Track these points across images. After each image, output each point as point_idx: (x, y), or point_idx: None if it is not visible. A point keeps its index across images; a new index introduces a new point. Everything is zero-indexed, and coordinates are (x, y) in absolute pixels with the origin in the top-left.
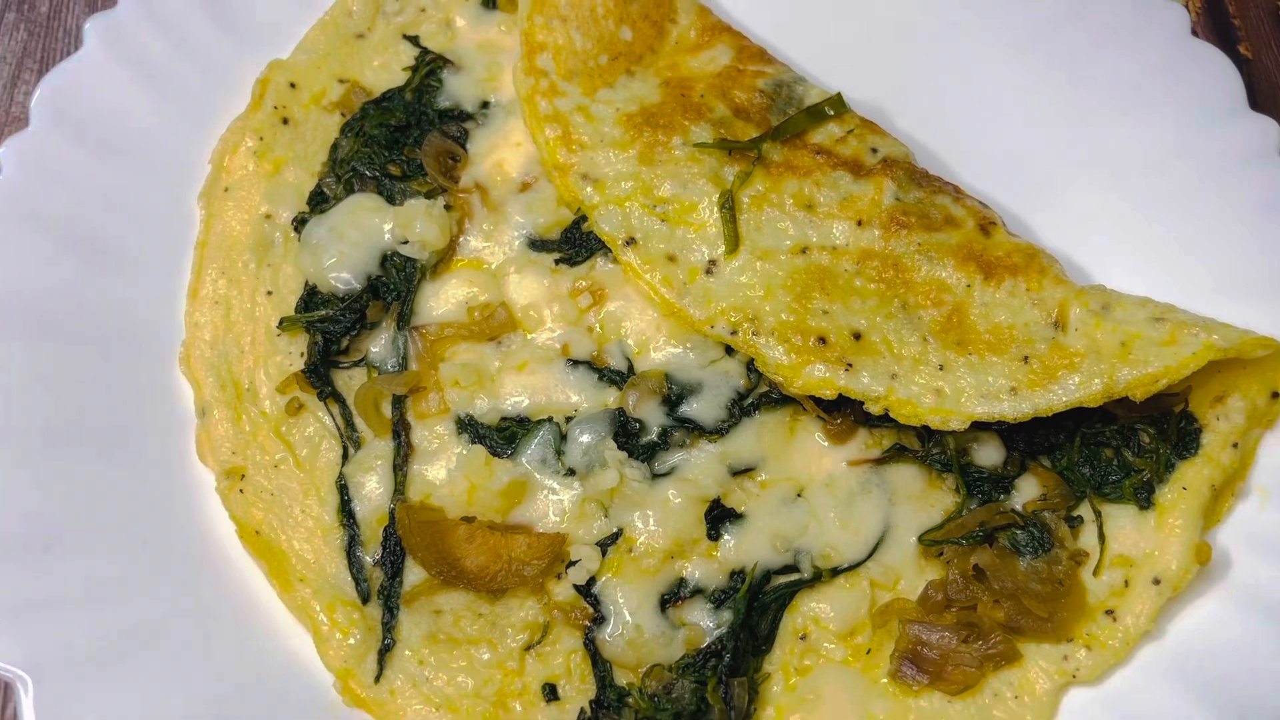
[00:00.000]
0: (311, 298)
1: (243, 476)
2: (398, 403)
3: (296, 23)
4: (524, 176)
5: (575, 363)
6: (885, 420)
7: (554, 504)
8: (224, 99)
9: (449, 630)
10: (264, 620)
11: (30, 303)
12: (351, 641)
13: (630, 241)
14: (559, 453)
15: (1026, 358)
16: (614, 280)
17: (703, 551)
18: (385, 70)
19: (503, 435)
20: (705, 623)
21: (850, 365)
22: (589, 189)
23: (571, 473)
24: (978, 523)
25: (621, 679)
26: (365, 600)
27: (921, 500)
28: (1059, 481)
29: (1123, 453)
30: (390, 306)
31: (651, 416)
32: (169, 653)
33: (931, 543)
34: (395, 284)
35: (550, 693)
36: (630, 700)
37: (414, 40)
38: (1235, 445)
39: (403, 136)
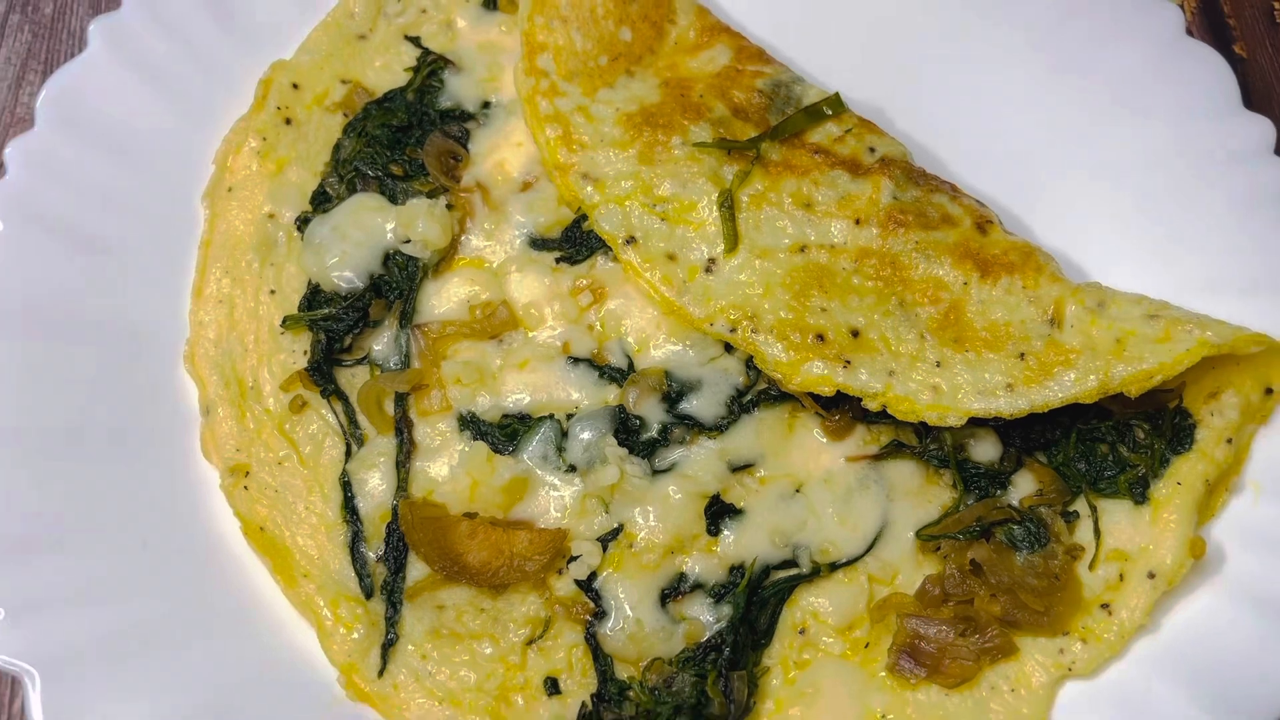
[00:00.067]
0: (314, 296)
1: (247, 474)
2: (400, 400)
3: (299, 24)
4: (525, 176)
5: (576, 360)
6: (883, 417)
7: (555, 500)
8: (227, 100)
9: (451, 625)
10: (268, 615)
11: (36, 302)
12: (355, 636)
13: (630, 240)
14: (560, 449)
15: (1023, 354)
16: (614, 279)
17: (702, 547)
18: (387, 71)
19: (504, 432)
20: (705, 617)
21: (848, 362)
22: (589, 188)
23: (572, 469)
24: (975, 518)
25: (622, 673)
26: (369, 596)
27: (919, 496)
28: (1055, 477)
29: (1118, 448)
30: (393, 305)
31: (652, 413)
32: (175, 648)
33: (929, 538)
34: (397, 282)
35: (552, 686)
36: (631, 694)
37: (415, 41)
38: (1229, 441)
39: (405, 136)
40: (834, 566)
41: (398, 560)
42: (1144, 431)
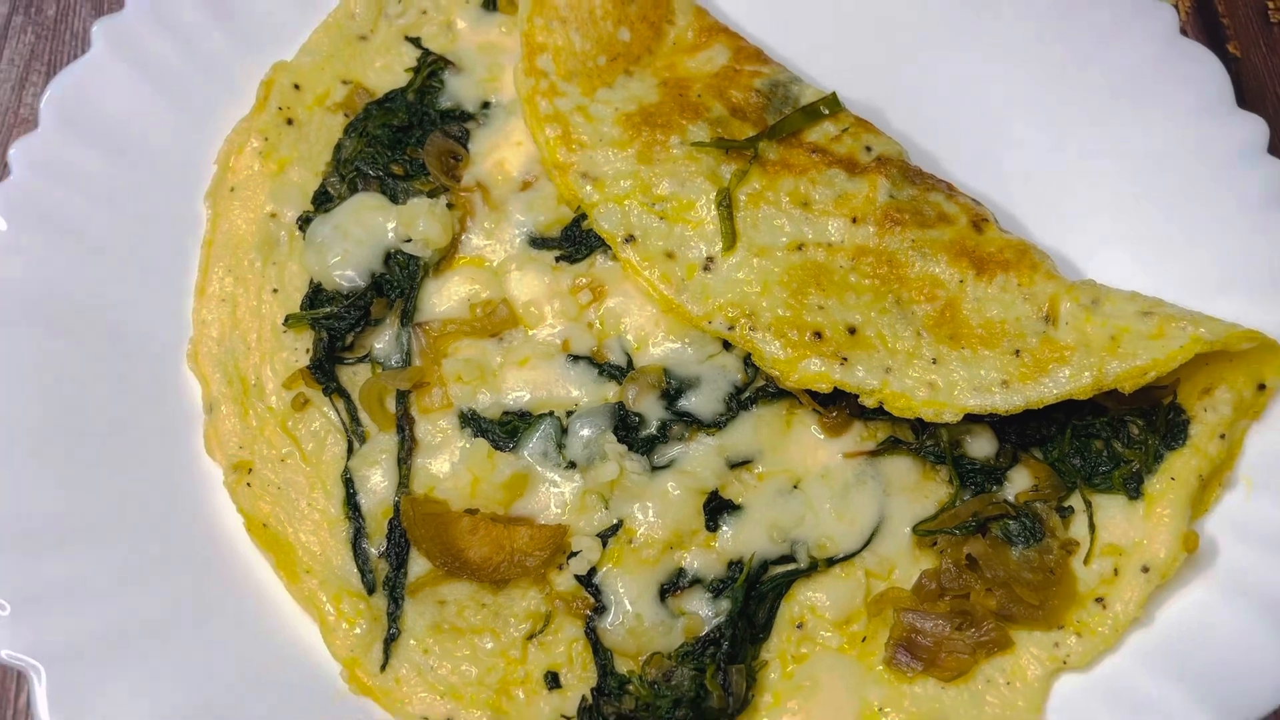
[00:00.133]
0: (316, 295)
1: (250, 470)
2: (401, 398)
3: (300, 25)
4: (524, 175)
5: (576, 358)
6: (880, 413)
7: (555, 496)
8: (229, 100)
9: (453, 620)
10: (272, 610)
11: (41, 301)
12: (358, 631)
13: (629, 239)
14: (560, 446)
15: (1018, 351)
16: (613, 277)
17: (701, 542)
18: (388, 71)
19: (505, 429)
20: (704, 611)
21: (845, 359)
22: (588, 187)
23: (572, 465)
24: (971, 513)
25: (622, 667)
26: (371, 591)
27: (916, 491)
28: (1050, 473)
29: (1112, 444)
30: (394, 303)
31: (651, 410)
32: (178, 642)
33: (925, 533)
34: (399, 281)
35: (552, 680)
36: (631, 687)
37: (416, 42)
38: (1222, 436)
39: (405, 136)
40: (831, 561)
41: (399, 556)
42: (1138, 427)
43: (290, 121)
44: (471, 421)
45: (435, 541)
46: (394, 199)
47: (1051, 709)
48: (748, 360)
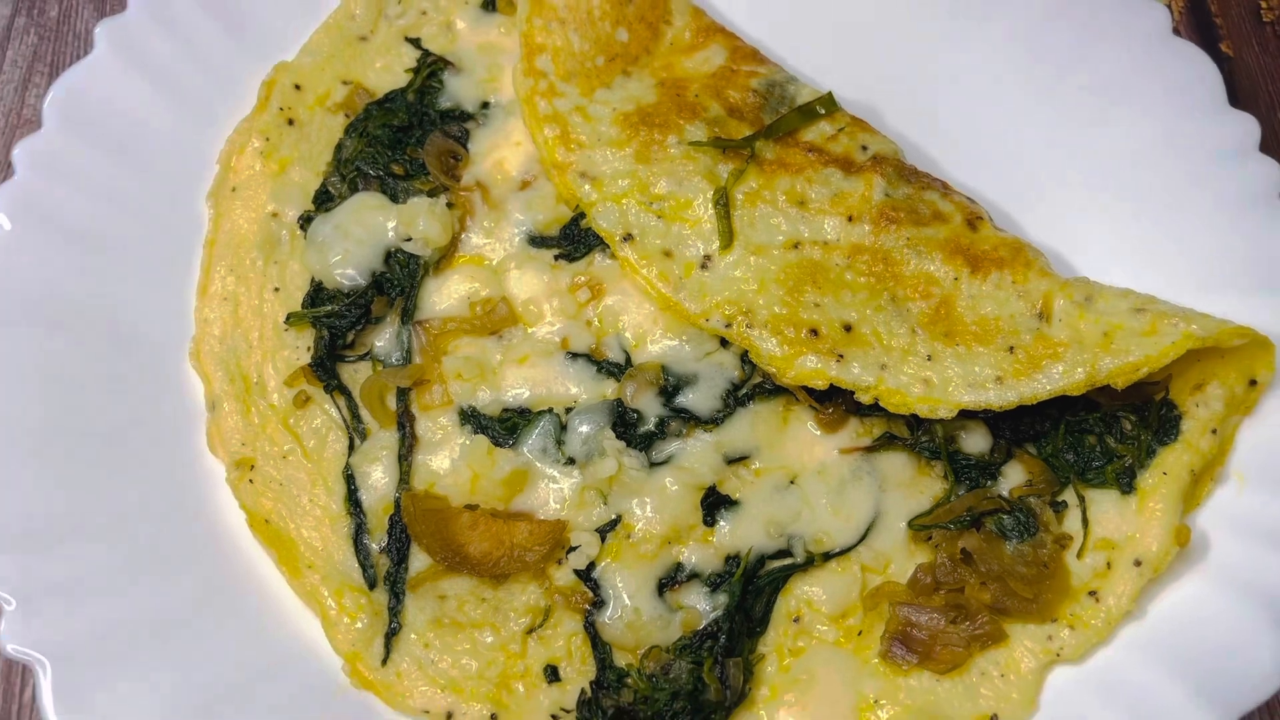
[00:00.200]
0: (318, 294)
1: (252, 467)
2: (402, 395)
3: (301, 26)
4: (524, 175)
5: (574, 355)
6: (875, 409)
7: (554, 492)
8: (231, 101)
9: (453, 614)
10: (274, 605)
11: (45, 300)
12: (359, 626)
13: (627, 237)
14: (559, 442)
15: (1012, 348)
16: (612, 275)
17: (699, 537)
18: (388, 72)
19: (504, 426)
20: (701, 606)
21: (841, 356)
22: (587, 187)
23: (571, 462)
24: (965, 508)
25: (620, 660)
26: (372, 586)
27: (911, 487)
28: (1044, 468)
29: (1105, 439)
30: (394, 302)
31: (649, 407)
32: (182, 637)
33: (921, 528)
34: (399, 280)
35: (552, 674)
36: (629, 681)
37: (415, 42)
38: (1214, 431)
39: (405, 136)
40: (828, 556)
41: (400, 551)
42: (1131, 423)
43: (291, 122)
44: (471, 418)
45: (436, 537)
46: (394, 198)
47: (1045, 701)
48: (745, 357)
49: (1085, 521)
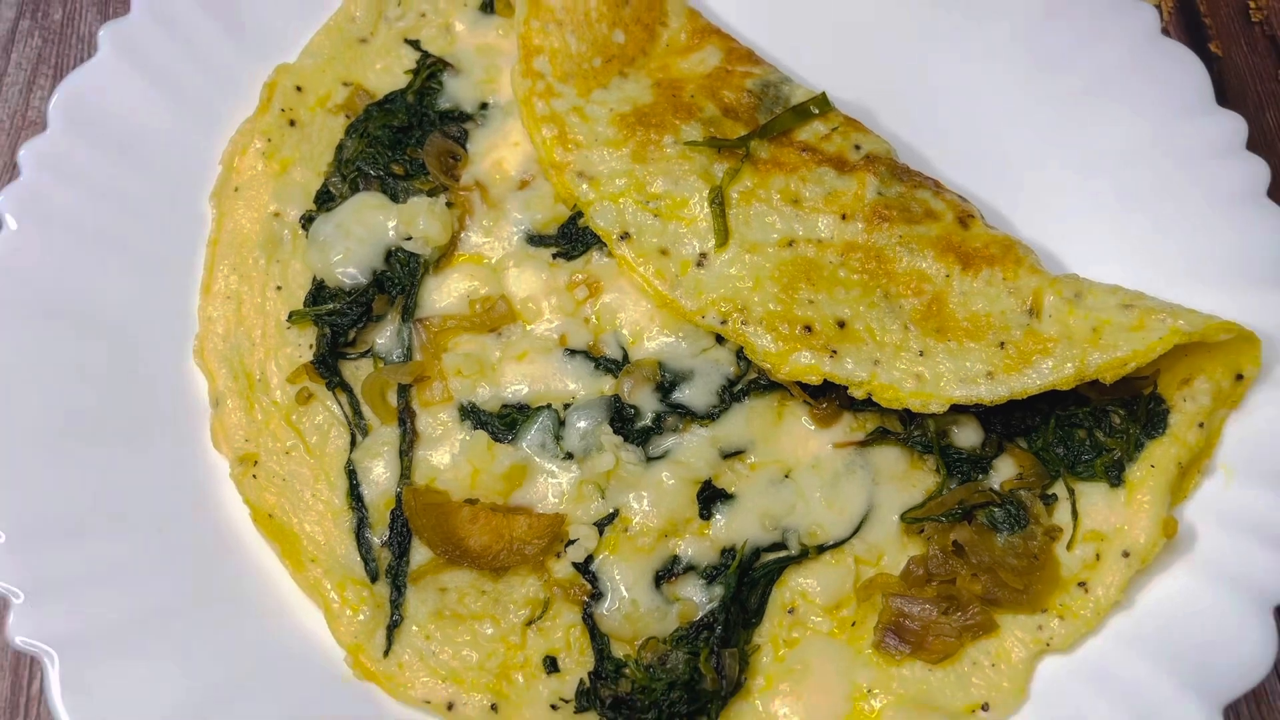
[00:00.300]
0: (319, 292)
1: (256, 463)
2: (403, 392)
3: (302, 28)
4: (522, 174)
5: (572, 352)
6: (869, 404)
7: (553, 486)
8: (233, 102)
9: (454, 607)
10: (277, 598)
11: (51, 299)
12: (361, 618)
13: (624, 236)
14: (558, 438)
15: (1003, 344)
16: (609, 273)
17: (695, 530)
18: (387, 73)
19: (504, 421)
20: (698, 597)
21: (835, 352)
22: (584, 186)
23: (570, 456)
24: (957, 501)
25: (618, 651)
26: (374, 579)
27: (904, 480)
28: (1034, 461)
29: (1095, 433)
30: (395, 300)
31: (646, 402)
32: (188, 629)
33: (913, 520)
34: (400, 278)
35: (551, 665)
36: (627, 671)
37: (415, 44)
38: (1201, 425)
39: (405, 137)
40: (822, 548)
41: (401, 545)
42: (1120, 417)
43: (293, 123)
44: (471, 414)
45: (436, 531)
46: (394, 198)
47: (1035, 690)
48: (740, 353)
49: (1075, 514)
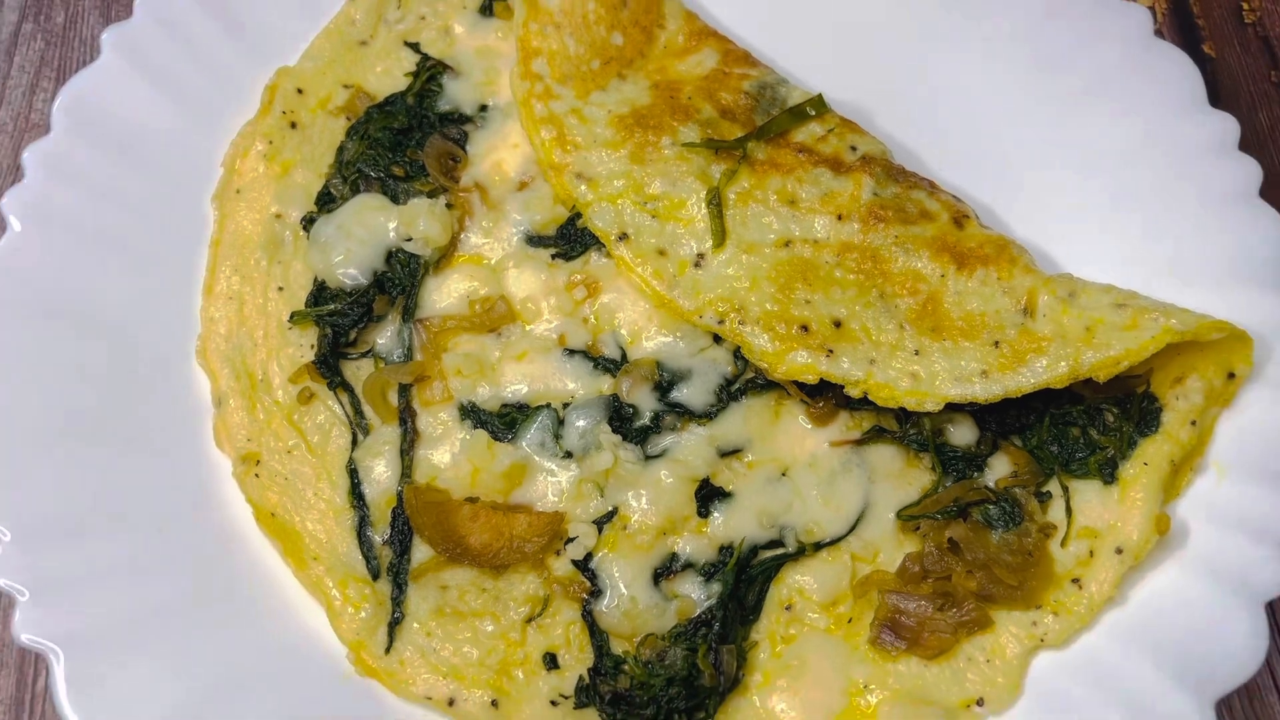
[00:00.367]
0: (320, 293)
1: (258, 462)
2: (403, 391)
3: (303, 31)
4: (521, 176)
5: (571, 352)
6: (865, 403)
7: (553, 485)
8: (234, 105)
9: (454, 604)
10: (280, 596)
11: (54, 300)
12: (363, 615)
13: (623, 237)
14: (557, 437)
15: (997, 343)
16: (607, 274)
17: (693, 528)
18: (388, 76)
19: (503, 421)
20: (696, 594)
21: (831, 351)
22: (583, 187)
23: (569, 455)
24: (952, 499)
25: (617, 648)
26: (375, 577)
27: (899, 478)
28: (1029, 459)
29: (1089, 431)
30: (395, 300)
31: (644, 402)
32: (191, 627)
33: (909, 518)
34: (400, 279)
35: (551, 661)
36: (626, 667)
37: (415, 47)
38: (1194, 423)
39: (405, 139)
40: (818, 546)
41: (403, 543)
42: (1113, 415)
43: (294, 125)
44: (471, 414)
45: (437, 529)
46: (395, 199)
47: (1029, 685)
48: (737, 353)
49: (1069, 511)
